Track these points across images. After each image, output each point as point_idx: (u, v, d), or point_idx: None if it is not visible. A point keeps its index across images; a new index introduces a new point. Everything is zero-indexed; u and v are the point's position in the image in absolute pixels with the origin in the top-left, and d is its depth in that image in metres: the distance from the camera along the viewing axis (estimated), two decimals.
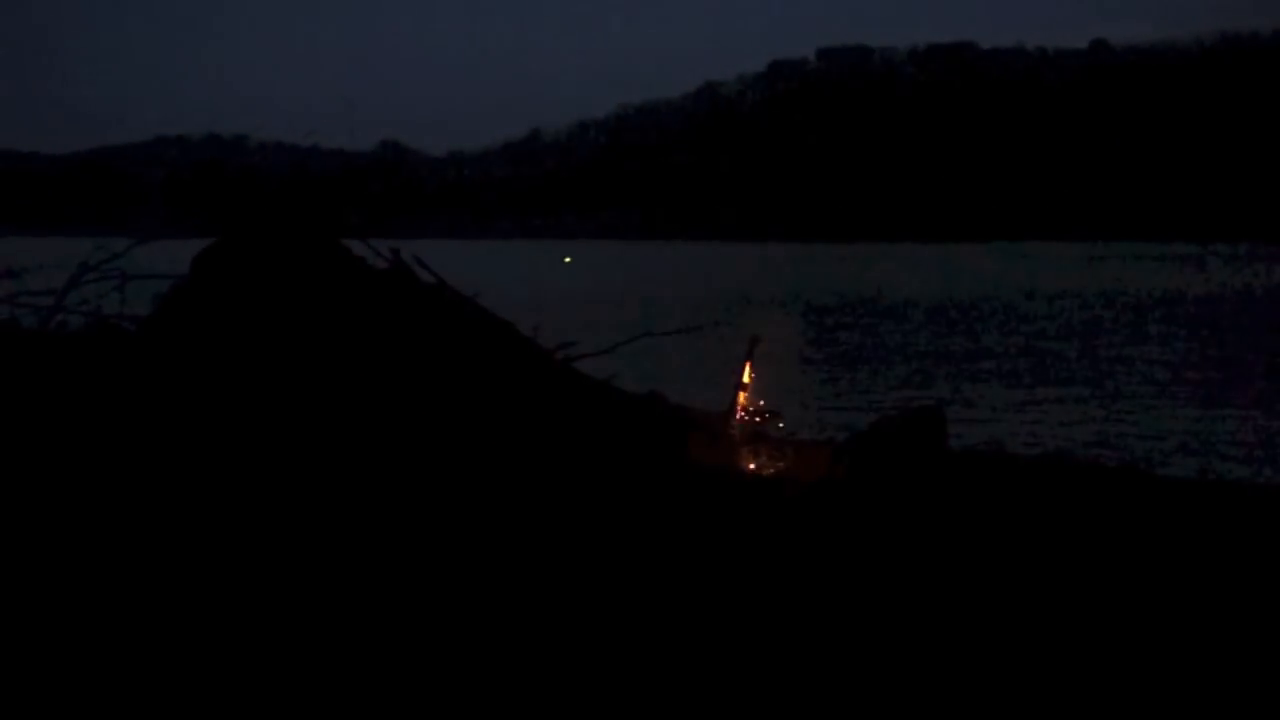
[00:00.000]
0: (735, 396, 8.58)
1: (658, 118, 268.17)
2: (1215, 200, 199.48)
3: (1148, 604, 5.74)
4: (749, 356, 8.45)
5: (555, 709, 4.64)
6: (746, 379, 8.50)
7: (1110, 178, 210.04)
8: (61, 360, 8.25)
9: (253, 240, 8.63)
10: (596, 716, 4.61)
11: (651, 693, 4.74)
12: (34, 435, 7.29)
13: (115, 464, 6.99)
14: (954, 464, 8.75)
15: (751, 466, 8.18)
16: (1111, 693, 4.79)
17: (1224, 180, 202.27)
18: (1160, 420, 20.84)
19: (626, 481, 7.35)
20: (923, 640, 5.23)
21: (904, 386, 24.57)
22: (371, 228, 9.55)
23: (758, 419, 8.37)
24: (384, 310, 8.23)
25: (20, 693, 4.64)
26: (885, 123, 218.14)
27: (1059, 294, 64.99)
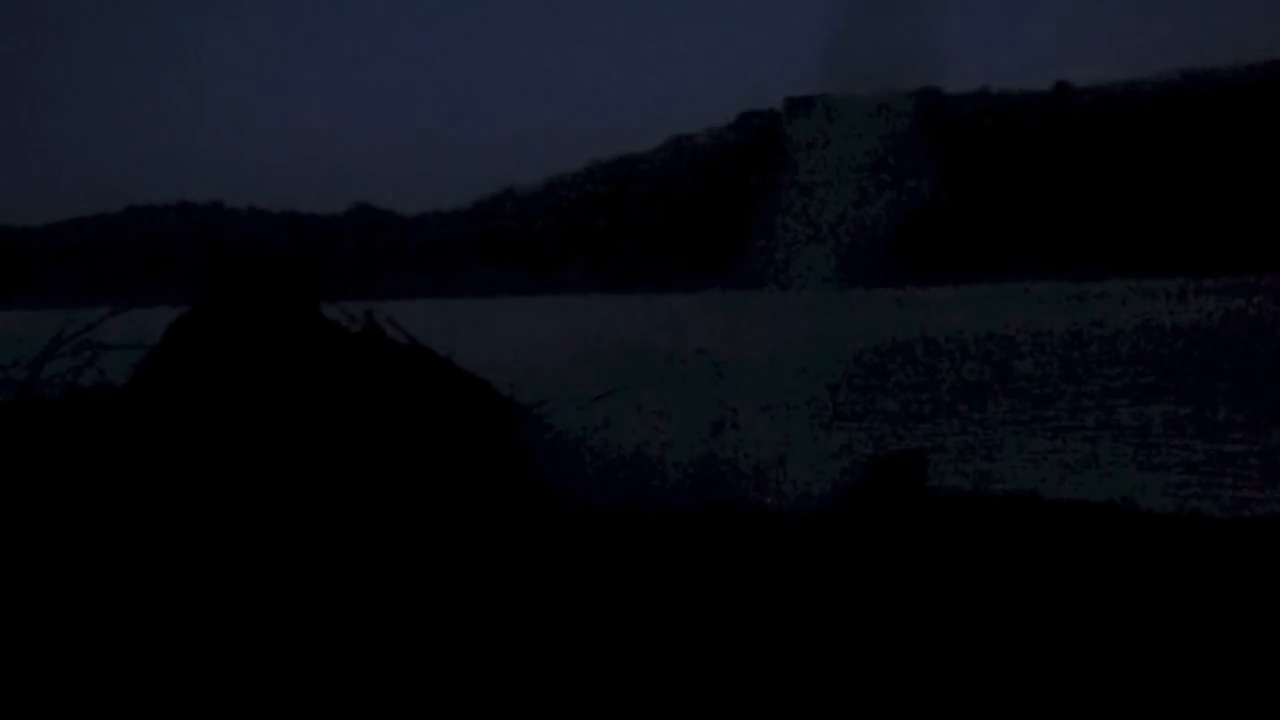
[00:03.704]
0: None
1: (630, 171, 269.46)
2: (1183, 234, 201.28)
3: (1128, 635, 5.75)
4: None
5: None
6: None
7: (1078, 215, 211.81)
8: (39, 432, 8.21)
9: (226, 307, 8.63)
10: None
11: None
12: (13, 505, 7.25)
13: (94, 532, 6.95)
14: (935, 506, 8.78)
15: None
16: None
17: (1191, 214, 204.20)
18: (1138, 455, 20.90)
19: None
20: (896, 676, 5.22)
21: (887, 430, 24.55)
22: (345, 291, 9.58)
23: None
24: (357, 373, 8.23)
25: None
26: None
27: (1032, 333, 65.24)
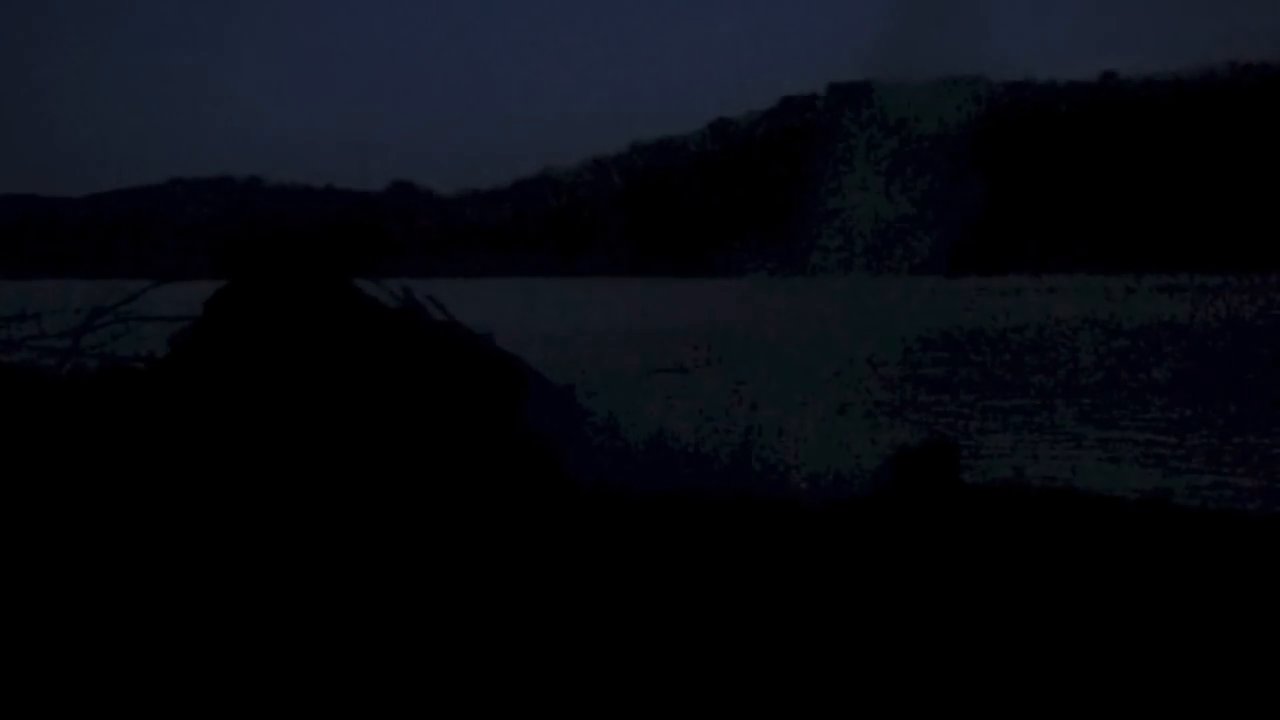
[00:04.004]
0: None
1: (671, 154, 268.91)
2: (1228, 230, 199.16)
3: (1162, 633, 5.71)
4: None
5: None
6: None
7: (1122, 207, 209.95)
8: (77, 402, 8.29)
9: (266, 282, 8.68)
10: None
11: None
12: (48, 476, 7.31)
13: (126, 505, 7.01)
14: (968, 496, 8.74)
15: None
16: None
17: (1236, 209, 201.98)
18: (1179, 452, 20.72)
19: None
20: (929, 673, 5.20)
21: (917, 419, 24.44)
22: (384, 268, 9.62)
23: None
24: (395, 350, 8.26)
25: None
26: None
27: (1075, 325, 64.70)
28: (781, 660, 5.31)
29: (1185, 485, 16.45)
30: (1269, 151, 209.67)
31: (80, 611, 5.72)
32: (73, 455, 7.58)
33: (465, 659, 5.27)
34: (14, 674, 5.04)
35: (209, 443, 7.58)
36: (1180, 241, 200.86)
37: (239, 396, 7.89)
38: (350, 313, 8.53)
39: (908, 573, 6.62)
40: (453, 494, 7.32)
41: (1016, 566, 6.80)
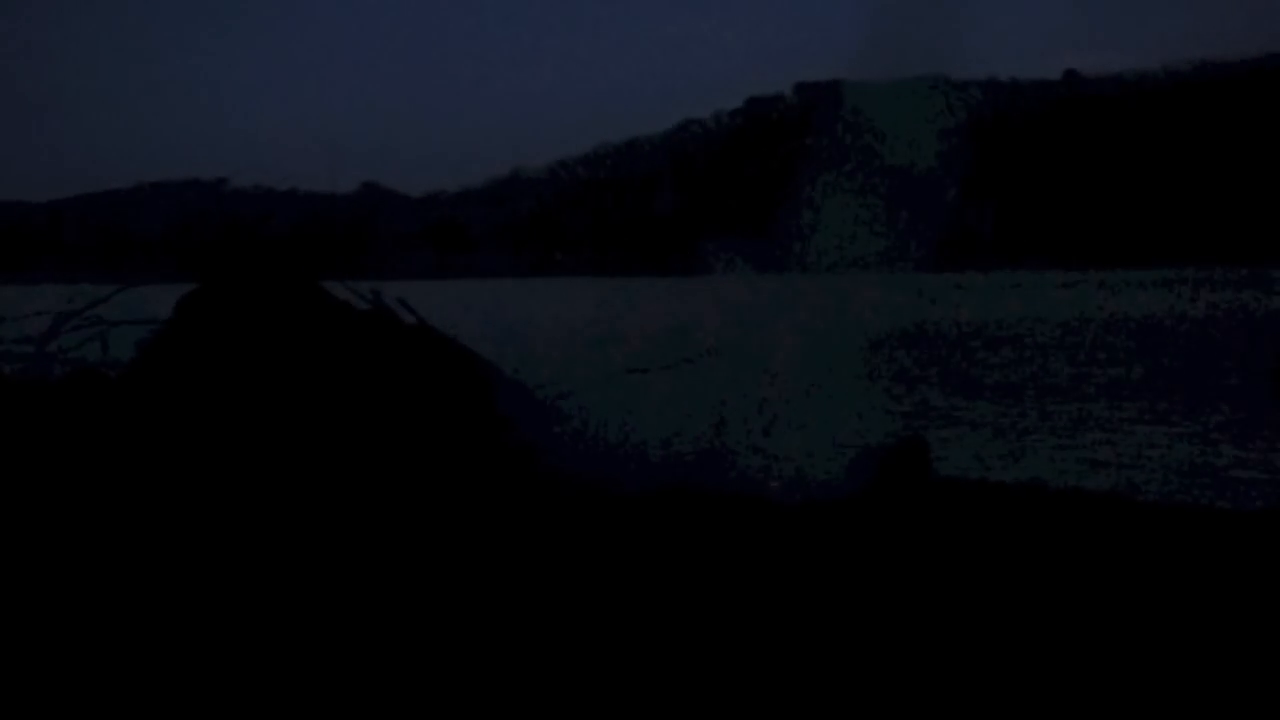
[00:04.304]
0: None
1: (639, 155, 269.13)
2: (1190, 225, 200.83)
3: (1126, 631, 5.75)
4: None
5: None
6: None
7: (1085, 205, 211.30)
8: (43, 408, 8.23)
9: (236, 285, 8.64)
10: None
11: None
12: (13, 484, 7.26)
13: (97, 514, 6.96)
14: (937, 492, 8.78)
15: None
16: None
17: (1199, 205, 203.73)
18: (1142, 447, 20.86)
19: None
20: (902, 670, 5.22)
21: (889, 415, 24.48)
22: (353, 270, 9.60)
23: None
24: (365, 351, 8.24)
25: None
26: None
27: (1038, 321, 65.05)
28: (756, 657, 5.33)
29: (1151, 480, 16.57)
30: (1232, 148, 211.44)
31: (46, 620, 5.68)
32: (39, 464, 7.52)
33: (443, 656, 5.26)
34: None
35: (180, 447, 7.53)
36: (1144, 238, 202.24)
37: (209, 400, 7.85)
38: (320, 315, 8.50)
39: (882, 570, 6.64)
40: (427, 495, 7.30)
41: (987, 563, 6.83)
